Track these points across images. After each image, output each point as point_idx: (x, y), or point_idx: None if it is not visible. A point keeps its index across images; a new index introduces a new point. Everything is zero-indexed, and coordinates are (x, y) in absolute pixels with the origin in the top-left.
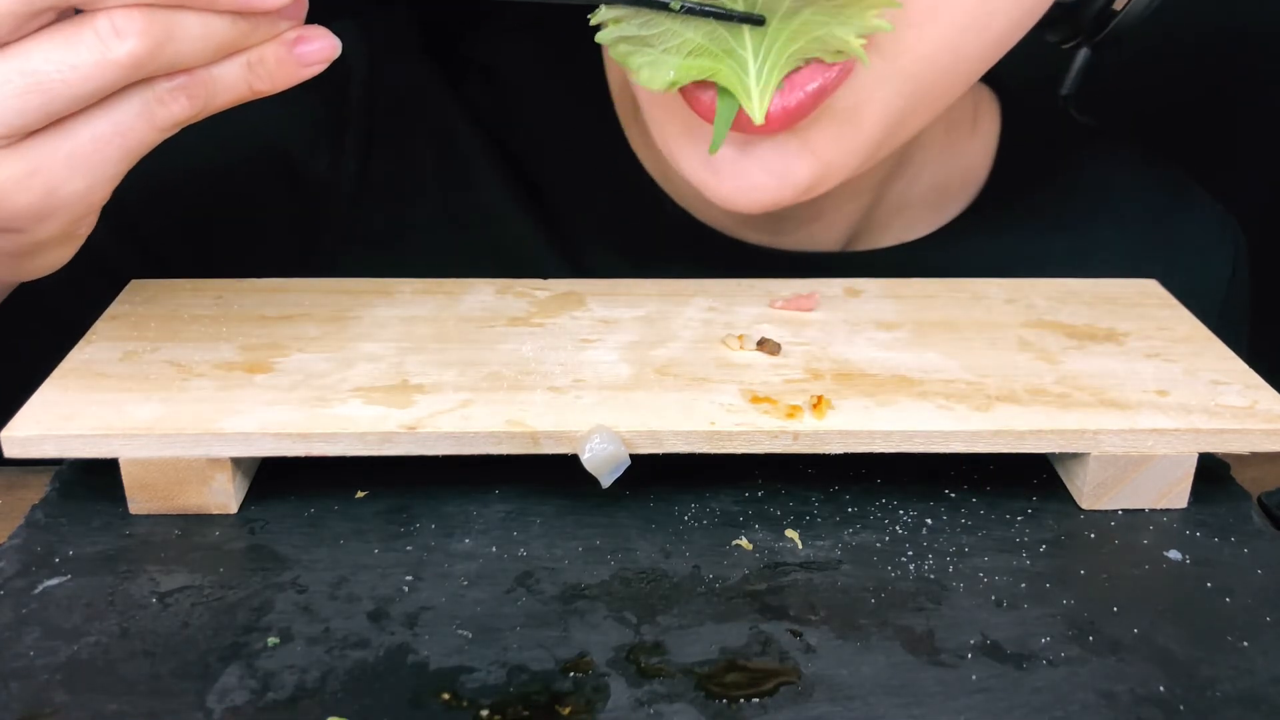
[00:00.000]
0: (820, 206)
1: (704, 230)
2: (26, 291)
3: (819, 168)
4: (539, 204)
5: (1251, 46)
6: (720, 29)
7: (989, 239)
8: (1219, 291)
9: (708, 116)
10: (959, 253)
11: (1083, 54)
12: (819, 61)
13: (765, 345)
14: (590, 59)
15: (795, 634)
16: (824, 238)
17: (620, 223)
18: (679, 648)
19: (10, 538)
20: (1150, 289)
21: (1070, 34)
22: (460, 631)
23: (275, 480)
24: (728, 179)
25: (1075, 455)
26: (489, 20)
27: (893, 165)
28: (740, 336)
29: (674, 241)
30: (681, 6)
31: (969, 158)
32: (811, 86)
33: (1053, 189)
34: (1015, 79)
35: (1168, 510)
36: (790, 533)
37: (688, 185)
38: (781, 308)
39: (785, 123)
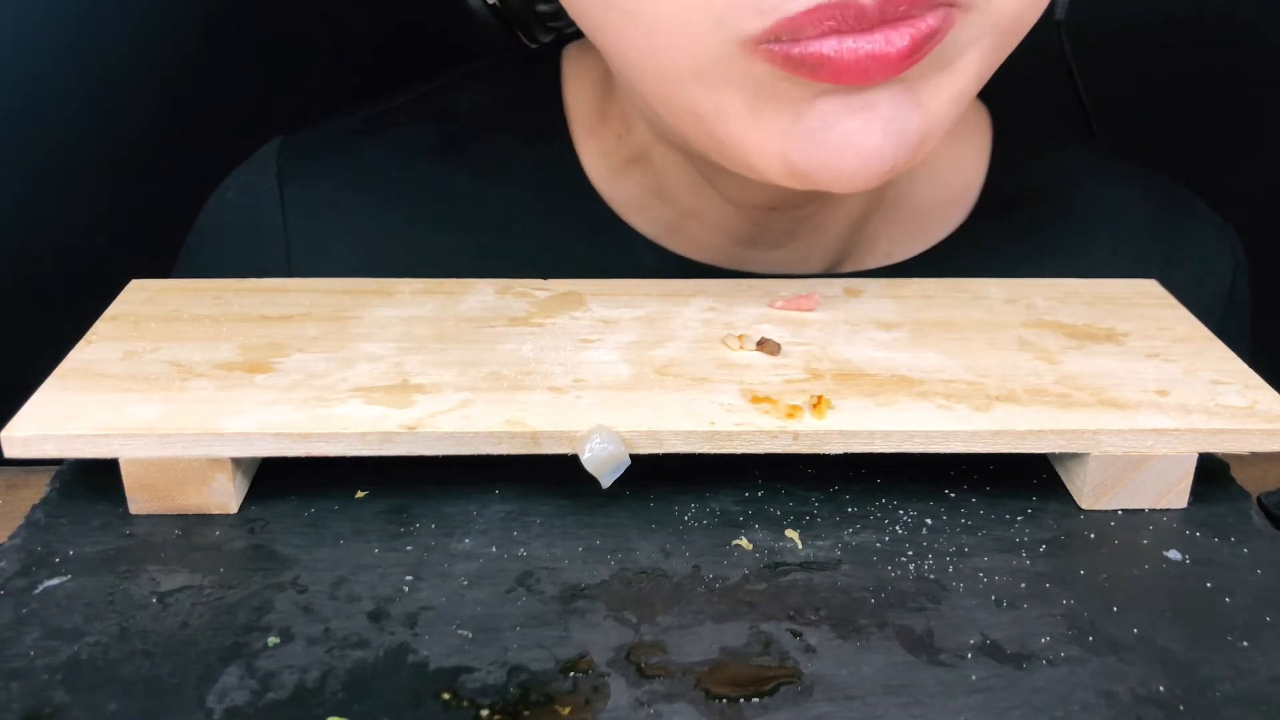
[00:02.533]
0: (818, 218)
1: (679, 260)
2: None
3: (927, 123)
4: (496, 250)
5: (1252, 44)
6: None
7: (981, 259)
8: (1219, 306)
9: (841, 70)
10: (950, 274)
11: None
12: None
13: (765, 345)
14: (548, 104)
15: (795, 634)
16: (811, 256)
17: (587, 261)
18: (679, 648)
19: (10, 538)
20: (1150, 289)
21: None
22: (460, 631)
23: (275, 480)
24: (847, 152)
25: (1075, 455)
26: (446, 71)
27: None
28: (740, 336)
29: (648, 275)
30: None
31: (961, 172)
32: (927, 22)
33: (1046, 206)
34: (1005, 92)
35: (1167, 510)
36: (790, 533)
37: (659, 219)
38: (781, 308)
39: (914, 49)
